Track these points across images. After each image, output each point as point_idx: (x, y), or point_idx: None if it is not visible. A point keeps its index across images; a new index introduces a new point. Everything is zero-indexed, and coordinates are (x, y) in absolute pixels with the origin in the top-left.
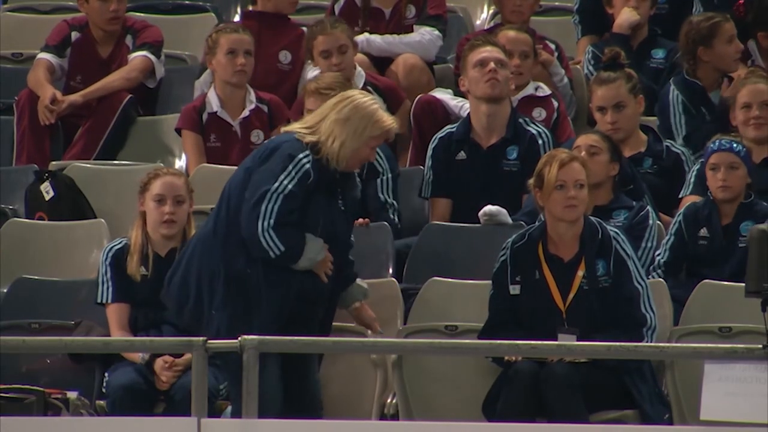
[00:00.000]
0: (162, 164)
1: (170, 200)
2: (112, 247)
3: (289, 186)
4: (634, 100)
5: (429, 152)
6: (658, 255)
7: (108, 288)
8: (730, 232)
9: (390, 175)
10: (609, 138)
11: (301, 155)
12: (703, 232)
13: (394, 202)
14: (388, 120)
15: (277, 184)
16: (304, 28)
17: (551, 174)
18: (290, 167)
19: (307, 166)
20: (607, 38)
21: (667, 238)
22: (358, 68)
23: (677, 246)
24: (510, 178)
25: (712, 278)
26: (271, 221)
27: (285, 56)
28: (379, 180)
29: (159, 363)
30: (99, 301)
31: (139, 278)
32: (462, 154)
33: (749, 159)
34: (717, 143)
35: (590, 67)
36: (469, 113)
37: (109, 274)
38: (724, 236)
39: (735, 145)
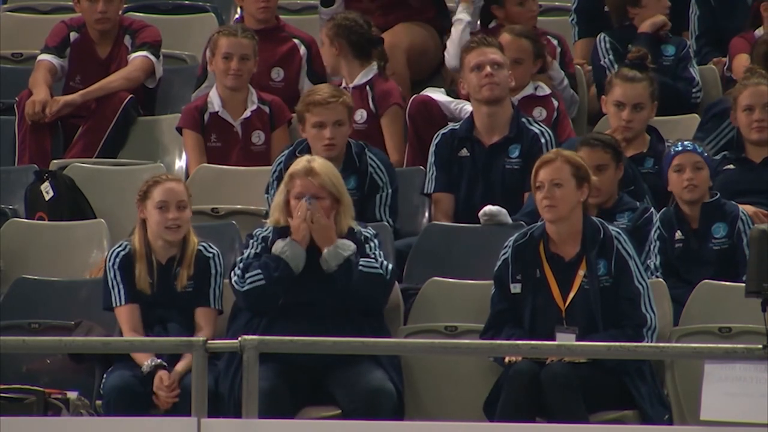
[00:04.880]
0: (162, 164)
1: (173, 206)
2: (117, 252)
3: (252, 252)
4: (651, 104)
5: (432, 148)
6: (650, 261)
7: (120, 291)
8: (701, 235)
9: (389, 191)
10: (610, 144)
11: (257, 230)
12: (679, 234)
13: (390, 221)
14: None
15: (244, 255)
16: (296, 40)
17: (533, 175)
18: (252, 241)
19: (264, 233)
20: (621, 29)
21: (652, 245)
22: (372, 64)
23: (663, 248)
24: (512, 175)
25: (698, 280)
26: (238, 268)
27: (277, 73)
28: (378, 196)
29: (156, 381)
30: (112, 305)
31: (149, 289)
32: (464, 151)
33: (710, 160)
34: (680, 145)
35: (609, 57)
36: (471, 113)
37: (118, 278)
38: (696, 239)
39: (697, 146)
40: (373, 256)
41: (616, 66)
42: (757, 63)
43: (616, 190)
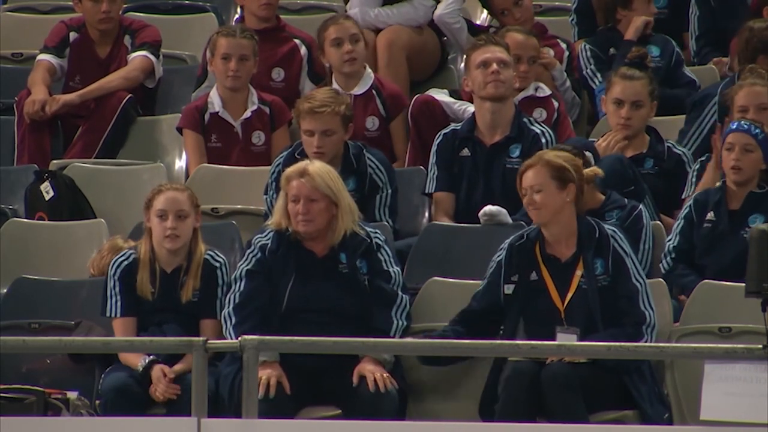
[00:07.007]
0: (162, 164)
1: (172, 215)
2: (120, 262)
3: (247, 267)
4: (650, 103)
5: (433, 148)
6: (669, 241)
7: (117, 302)
8: (737, 219)
9: (389, 191)
10: (574, 151)
11: (258, 235)
12: (710, 215)
13: (390, 221)
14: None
15: (236, 271)
16: (297, 40)
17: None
18: (248, 252)
19: (264, 240)
20: (605, 32)
21: (677, 223)
22: (367, 70)
23: (687, 231)
24: (512, 175)
25: (713, 266)
26: (234, 301)
27: (278, 74)
28: (378, 197)
29: (157, 372)
30: (107, 315)
31: (150, 297)
32: (466, 151)
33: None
34: (736, 124)
35: (591, 67)
36: (473, 113)
37: (117, 288)
38: (729, 221)
39: (754, 128)
40: (386, 269)
41: (598, 75)
42: (741, 51)
43: (597, 192)
